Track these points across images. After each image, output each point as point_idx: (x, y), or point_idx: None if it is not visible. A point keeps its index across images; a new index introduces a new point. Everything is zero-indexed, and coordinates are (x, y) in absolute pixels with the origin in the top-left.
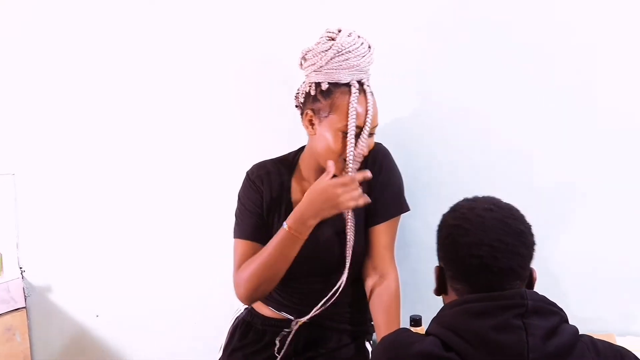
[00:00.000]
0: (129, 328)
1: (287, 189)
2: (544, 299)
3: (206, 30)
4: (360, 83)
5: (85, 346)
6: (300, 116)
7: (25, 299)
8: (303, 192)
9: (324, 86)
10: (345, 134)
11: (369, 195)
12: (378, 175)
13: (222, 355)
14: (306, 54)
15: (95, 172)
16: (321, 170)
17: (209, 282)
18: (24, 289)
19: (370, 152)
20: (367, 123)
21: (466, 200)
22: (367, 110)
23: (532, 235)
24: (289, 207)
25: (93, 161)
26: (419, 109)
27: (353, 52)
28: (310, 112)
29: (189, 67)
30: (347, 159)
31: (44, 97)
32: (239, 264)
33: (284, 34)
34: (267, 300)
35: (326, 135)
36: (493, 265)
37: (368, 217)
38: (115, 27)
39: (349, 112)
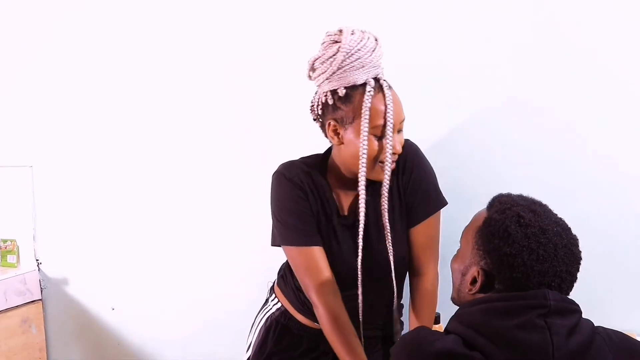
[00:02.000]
0: (144, 321)
1: (326, 189)
2: (565, 299)
3: (222, 28)
4: (377, 79)
5: (100, 338)
6: (321, 128)
7: (42, 291)
8: (339, 199)
9: (341, 92)
10: (376, 136)
11: (403, 198)
12: (410, 176)
13: (253, 355)
14: (314, 63)
15: (112, 165)
16: (352, 178)
17: (225, 274)
18: (40, 281)
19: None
20: (388, 120)
21: (529, 210)
22: (386, 105)
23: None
24: (333, 206)
25: (110, 154)
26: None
27: (362, 49)
28: (333, 122)
29: (200, 63)
30: (386, 160)
31: (61, 91)
32: (306, 271)
33: (290, 34)
34: (305, 311)
35: (356, 142)
36: (555, 291)
37: (408, 220)
38: (136, 22)
39: (363, 111)
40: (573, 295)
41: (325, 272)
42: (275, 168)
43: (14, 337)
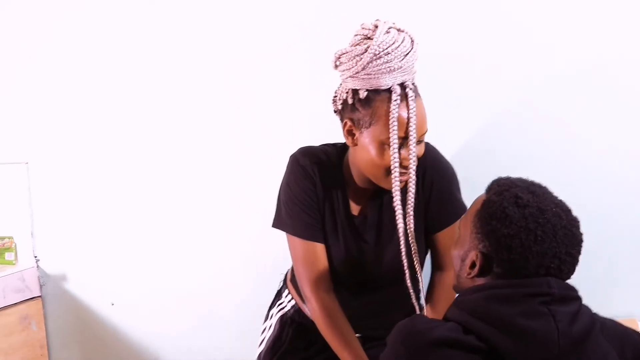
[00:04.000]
0: (145, 316)
1: (341, 183)
2: (567, 286)
3: (222, 24)
4: (404, 86)
5: (101, 334)
6: (340, 122)
7: (41, 288)
8: (352, 197)
9: (362, 94)
10: (392, 145)
11: (424, 206)
12: (431, 186)
13: (266, 350)
14: (341, 57)
15: (108, 160)
16: (367, 179)
17: (226, 269)
18: (39, 277)
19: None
20: (411, 132)
21: (528, 191)
22: (409, 118)
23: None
24: (346, 203)
25: (106, 149)
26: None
27: (393, 52)
28: (349, 122)
29: (194, 57)
30: (393, 173)
31: (55, 87)
32: (304, 264)
33: (294, 30)
34: None
35: (369, 148)
36: (556, 275)
37: (427, 226)
38: (133, 18)
39: (390, 122)
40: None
41: (323, 268)
42: (276, 159)
43: (14, 335)
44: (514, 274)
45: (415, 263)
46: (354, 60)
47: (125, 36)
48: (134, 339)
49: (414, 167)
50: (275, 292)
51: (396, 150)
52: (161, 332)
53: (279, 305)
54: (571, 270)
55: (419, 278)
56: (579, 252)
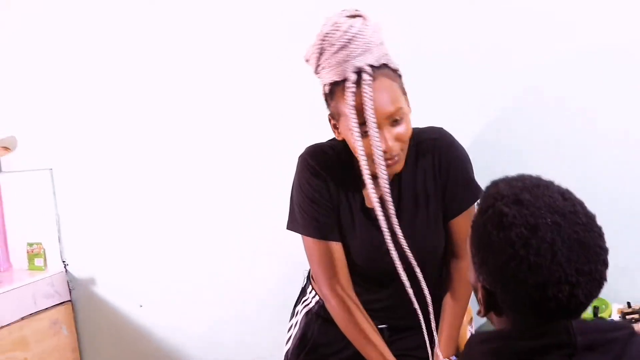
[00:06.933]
0: (173, 317)
1: (353, 175)
2: (599, 327)
3: (227, 25)
4: (360, 72)
5: (130, 336)
6: None
7: (70, 292)
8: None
9: (327, 89)
10: (360, 133)
11: (441, 192)
12: (447, 174)
13: (293, 348)
14: (307, 59)
15: (130, 163)
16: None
17: (252, 265)
18: (68, 282)
19: (430, 144)
20: (368, 117)
21: (515, 201)
22: (364, 103)
23: (605, 242)
24: (360, 195)
25: (128, 152)
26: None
27: (337, 42)
28: (330, 117)
29: (209, 62)
30: (360, 162)
31: (76, 93)
32: (319, 264)
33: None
34: None
35: (348, 139)
36: (572, 303)
37: (445, 213)
38: (150, 23)
39: (347, 110)
40: None
41: (340, 266)
42: (288, 155)
43: (45, 340)
44: (522, 314)
45: (409, 257)
46: (312, 58)
47: (142, 45)
48: (162, 338)
49: (380, 154)
50: (299, 289)
51: (359, 138)
52: (190, 330)
53: (304, 302)
54: (594, 291)
55: (417, 272)
56: (599, 264)
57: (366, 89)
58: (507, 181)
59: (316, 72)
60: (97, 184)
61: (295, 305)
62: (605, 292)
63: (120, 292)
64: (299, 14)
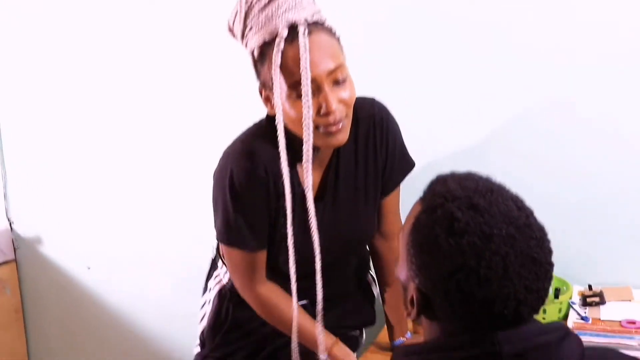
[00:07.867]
0: (121, 280)
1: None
2: (528, 333)
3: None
4: (293, 27)
5: (76, 298)
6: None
7: (15, 251)
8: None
9: (257, 53)
10: (299, 96)
11: (382, 166)
12: (386, 149)
13: (208, 328)
14: (230, 25)
15: (82, 118)
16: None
17: (203, 230)
18: (12, 240)
19: (367, 116)
20: (302, 73)
21: (469, 205)
22: (299, 58)
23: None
24: (296, 185)
25: (81, 108)
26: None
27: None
28: (261, 88)
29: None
30: (304, 124)
31: (27, 49)
32: (243, 273)
33: None
34: None
35: (285, 106)
36: (515, 319)
37: (382, 190)
38: (130, 17)
39: (273, 69)
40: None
41: (262, 272)
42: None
43: None
44: (457, 325)
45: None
46: (238, 21)
47: (117, 33)
48: (110, 302)
49: (309, 119)
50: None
51: (296, 100)
52: (138, 295)
53: (215, 277)
54: (535, 308)
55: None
56: (546, 281)
57: (302, 41)
58: (457, 180)
59: (243, 37)
60: (45, 140)
61: (207, 280)
62: (567, 274)
63: (68, 253)
64: None
